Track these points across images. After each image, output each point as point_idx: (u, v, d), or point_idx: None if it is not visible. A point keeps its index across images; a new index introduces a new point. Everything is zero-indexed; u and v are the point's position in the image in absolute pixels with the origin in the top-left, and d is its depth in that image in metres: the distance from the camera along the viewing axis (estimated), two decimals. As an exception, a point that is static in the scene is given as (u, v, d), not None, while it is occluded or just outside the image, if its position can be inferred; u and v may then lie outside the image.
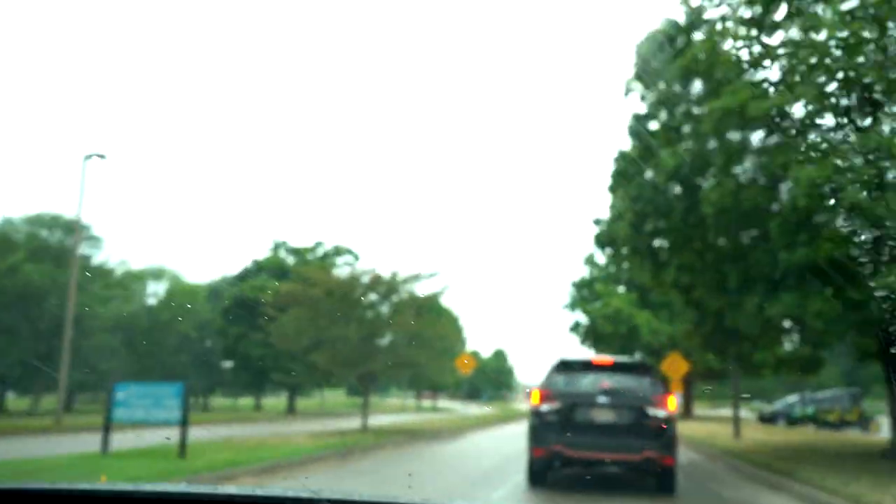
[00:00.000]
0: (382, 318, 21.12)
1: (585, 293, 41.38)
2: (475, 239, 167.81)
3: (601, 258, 43.09)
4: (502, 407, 65.72)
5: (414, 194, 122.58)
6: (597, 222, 17.91)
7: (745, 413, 66.49)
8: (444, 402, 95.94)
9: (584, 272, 42.88)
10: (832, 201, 9.08)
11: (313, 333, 20.08)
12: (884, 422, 36.65)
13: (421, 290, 21.76)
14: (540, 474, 10.53)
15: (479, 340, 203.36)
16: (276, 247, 48.51)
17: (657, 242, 14.96)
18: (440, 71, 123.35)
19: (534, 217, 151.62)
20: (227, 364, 43.10)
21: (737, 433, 22.04)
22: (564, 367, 10.58)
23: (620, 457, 9.86)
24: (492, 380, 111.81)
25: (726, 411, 68.44)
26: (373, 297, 21.92)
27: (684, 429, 26.98)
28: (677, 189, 13.33)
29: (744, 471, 14.10)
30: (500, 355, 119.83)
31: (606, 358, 11.46)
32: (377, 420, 31.85)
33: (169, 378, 37.81)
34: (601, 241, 17.00)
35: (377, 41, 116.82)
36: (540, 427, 10.12)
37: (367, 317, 20.63)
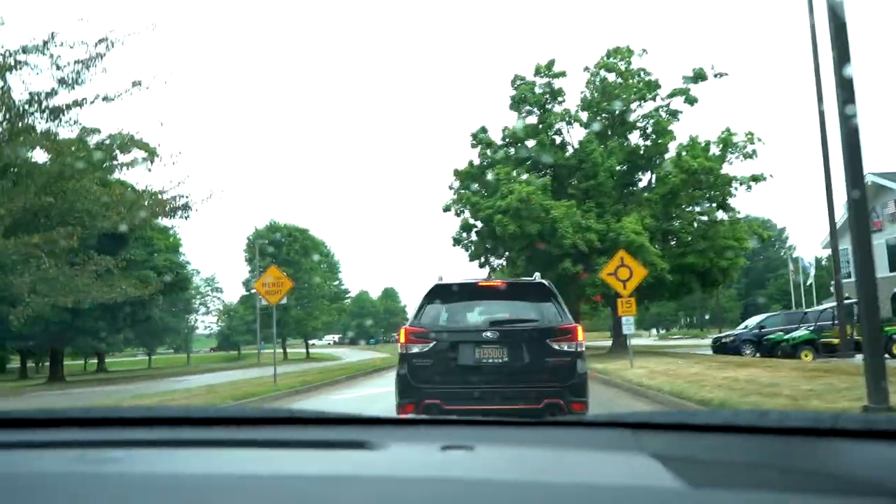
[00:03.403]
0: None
1: (475, 187, 28.54)
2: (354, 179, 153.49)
3: (497, 133, 30.25)
4: (392, 350, 57.29)
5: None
6: None
7: (643, 341, 53.86)
8: (330, 349, 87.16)
9: (473, 157, 29.95)
10: None
11: None
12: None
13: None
14: None
15: (368, 280, 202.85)
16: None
17: None
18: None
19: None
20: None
21: None
22: (441, 293, 7.92)
23: (514, 408, 7.16)
24: (381, 321, 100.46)
25: (643, 341, 55.80)
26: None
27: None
28: None
29: None
30: (389, 294, 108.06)
31: (494, 280, 8.48)
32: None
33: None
34: None
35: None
36: (409, 375, 7.50)
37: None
